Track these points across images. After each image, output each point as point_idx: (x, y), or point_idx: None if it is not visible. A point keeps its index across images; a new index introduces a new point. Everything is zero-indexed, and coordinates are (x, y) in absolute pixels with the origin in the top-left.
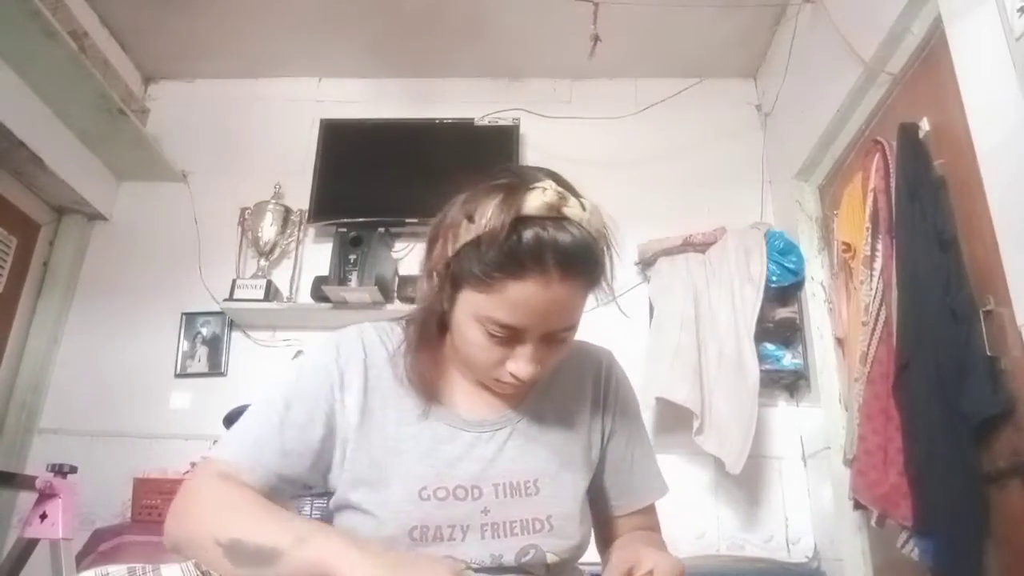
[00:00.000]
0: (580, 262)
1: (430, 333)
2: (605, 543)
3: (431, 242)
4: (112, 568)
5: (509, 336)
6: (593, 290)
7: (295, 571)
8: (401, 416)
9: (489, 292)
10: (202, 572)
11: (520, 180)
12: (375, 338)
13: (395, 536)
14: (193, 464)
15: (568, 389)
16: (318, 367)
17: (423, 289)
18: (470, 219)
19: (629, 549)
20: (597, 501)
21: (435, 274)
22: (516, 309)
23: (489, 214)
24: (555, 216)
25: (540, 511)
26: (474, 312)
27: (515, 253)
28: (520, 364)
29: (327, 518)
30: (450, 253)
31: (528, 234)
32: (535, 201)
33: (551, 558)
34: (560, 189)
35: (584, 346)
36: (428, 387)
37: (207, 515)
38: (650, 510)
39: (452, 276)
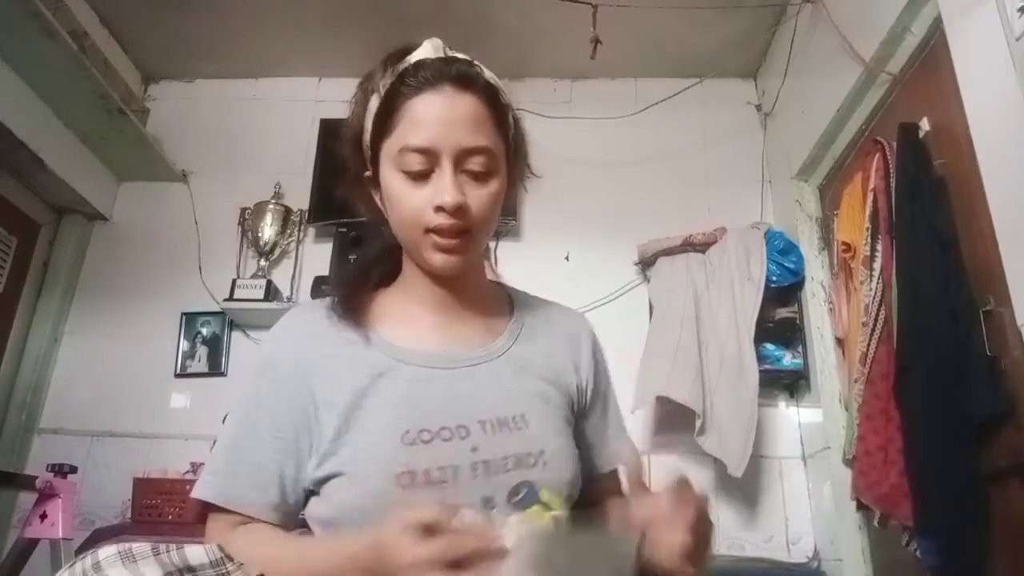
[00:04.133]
0: (474, 77)
1: (385, 266)
2: (591, 505)
3: (353, 149)
4: (136, 545)
5: (425, 166)
6: (500, 117)
7: None
8: (362, 372)
9: (397, 124)
10: (226, 554)
11: (404, 45)
12: (300, 318)
13: (382, 488)
14: (193, 464)
15: (543, 341)
16: (267, 363)
17: (362, 208)
18: (369, 91)
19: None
20: (581, 459)
21: (364, 172)
22: (420, 124)
23: (384, 71)
24: (445, 56)
25: (531, 445)
26: (391, 157)
27: (411, 77)
28: (440, 193)
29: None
30: (368, 131)
31: (421, 65)
32: (424, 51)
33: (545, 495)
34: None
35: (559, 307)
36: (360, 319)
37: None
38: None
39: (373, 155)
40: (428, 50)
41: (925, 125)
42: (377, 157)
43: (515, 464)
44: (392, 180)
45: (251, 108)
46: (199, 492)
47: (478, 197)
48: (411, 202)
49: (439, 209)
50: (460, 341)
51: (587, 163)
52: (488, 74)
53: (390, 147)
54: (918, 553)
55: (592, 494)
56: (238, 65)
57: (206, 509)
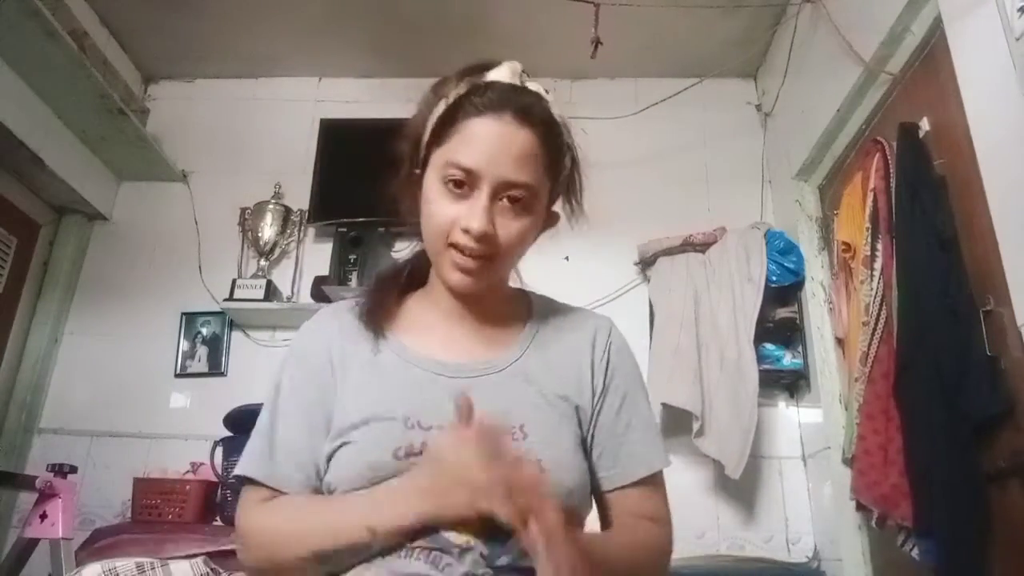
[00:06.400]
0: (538, 113)
1: (418, 268)
2: (604, 528)
3: (411, 148)
4: (119, 562)
5: (464, 184)
6: (554, 157)
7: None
8: (377, 369)
9: (451, 137)
10: (211, 568)
11: (485, 61)
12: (331, 317)
13: (379, 459)
14: (193, 464)
15: (556, 349)
16: (296, 354)
17: (405, 208)
18: (439, 95)
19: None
20: (590, 473)
21: (411, 170)
22: (471, 145)
23: (459, 83)
24: (519, 84)
25: (527, 456)
26: (437, 166)
27: (478, 95)
28: (470, 217)
29: None
30: (427, 134)
31: (491, 87)
32: (502, 72)
33: None
34: (524, 71)
35: (583, 311)
36: (381, 324)
37: (278, 543)
38: (650, 490)
39: (425, 157)
40: (504, 72)
41: (925, 125)
42: (427, 161)
43: None
44: (432, 188)
45: (251, 108)
46: (244, 469)
47: (508, 229)
48: (442, 214)
49: (465, 231)
50: (467, 353)
51: (586, 163)
52: (556, 112)
53: (439, 156)
54: (914, 553)
55: (602, 515)
56: (238, 65)
57: (245, 483)
